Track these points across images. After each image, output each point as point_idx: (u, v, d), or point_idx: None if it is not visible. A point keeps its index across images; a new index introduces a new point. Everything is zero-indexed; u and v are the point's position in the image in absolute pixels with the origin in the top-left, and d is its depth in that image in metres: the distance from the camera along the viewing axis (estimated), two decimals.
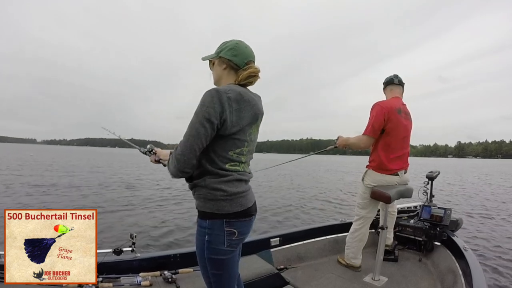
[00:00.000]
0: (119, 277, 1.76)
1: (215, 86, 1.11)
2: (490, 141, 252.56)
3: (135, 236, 1.98)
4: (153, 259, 1.99)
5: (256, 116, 1.12)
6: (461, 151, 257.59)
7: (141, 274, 1.83)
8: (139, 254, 1.96)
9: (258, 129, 1.21)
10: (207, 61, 1.23)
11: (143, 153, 1.44)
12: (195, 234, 1.12)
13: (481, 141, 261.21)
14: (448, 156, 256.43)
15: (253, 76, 1.15)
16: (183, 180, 1.11)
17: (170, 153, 1.13)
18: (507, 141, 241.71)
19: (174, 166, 1.03)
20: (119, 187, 9.60)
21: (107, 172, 14.99)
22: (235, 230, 1.07)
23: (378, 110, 2.13)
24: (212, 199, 1.05)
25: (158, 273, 1.88)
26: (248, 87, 1.18)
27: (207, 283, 1.15)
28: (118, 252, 1.89)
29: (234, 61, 1.13)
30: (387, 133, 2.14)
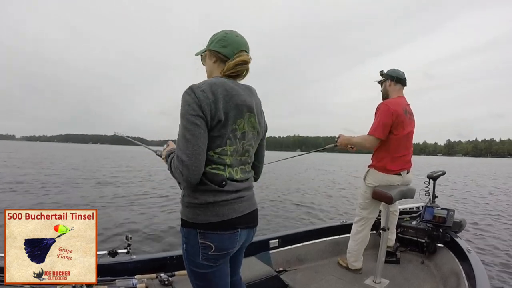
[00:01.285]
0: (114, 280, 1.70)
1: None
2: (480, 140, 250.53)
3: (131, 237, 1.92)
4: (149, 261, 1.94)
5: (239, 107, 0.97)
6: (451, 149, 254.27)
7: (136, 276, 1.77)
8: (134, 256, 1.90)
9: (255, 126, 1.05)
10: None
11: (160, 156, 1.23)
12: None
13: (471, 140, 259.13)
14: (438, 154, 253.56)
15: (241, 66, 1.03)
16: None
17: (166, 157, 1.05)
18: (497, 140, 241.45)
19: (182, 179, 0.91)
20: (115, 186, 9.42)
21: (102, 170, 14.72)
22: (211, 244, 0.94)
23: (386, 110, 2.08)
24: (187, 206, 0.97)
25: (154, 275, 1.83)
26: (237, 80, 1.07)
27: None
28: (113, 254, 1.83)
29: (223, 53, 1.03)
30: (392, 133, 2.11)
